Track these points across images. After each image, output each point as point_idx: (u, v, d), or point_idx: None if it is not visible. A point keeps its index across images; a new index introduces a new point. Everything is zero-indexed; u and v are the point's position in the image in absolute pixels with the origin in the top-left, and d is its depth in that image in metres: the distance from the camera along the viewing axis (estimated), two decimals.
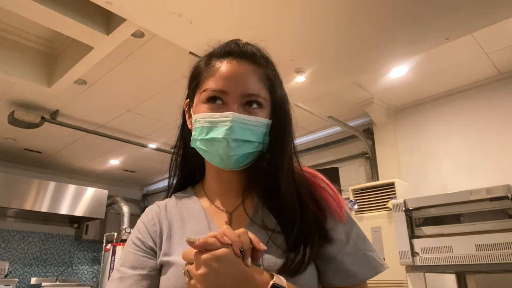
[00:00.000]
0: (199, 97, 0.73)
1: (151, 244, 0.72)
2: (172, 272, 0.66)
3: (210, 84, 0.70)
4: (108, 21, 2.40)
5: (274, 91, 0.74)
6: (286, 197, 0.68)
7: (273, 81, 0.74)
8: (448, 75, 3.12)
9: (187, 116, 0.78)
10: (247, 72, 0.71)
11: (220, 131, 0.68)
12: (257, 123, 0.70)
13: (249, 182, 0.74)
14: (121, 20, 2.26)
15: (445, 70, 3.05)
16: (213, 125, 0.69)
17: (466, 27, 2.22)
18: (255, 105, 0.70)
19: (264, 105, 0.72)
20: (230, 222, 0.72)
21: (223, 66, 0.71)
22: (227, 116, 0.68)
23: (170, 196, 0.82)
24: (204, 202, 0.77)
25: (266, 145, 0.72)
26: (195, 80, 0.76)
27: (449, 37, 2.26)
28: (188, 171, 0.82)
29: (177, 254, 0.68)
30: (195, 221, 0.74)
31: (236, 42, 0.76)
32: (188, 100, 0.78)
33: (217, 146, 0.69)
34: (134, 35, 2.48)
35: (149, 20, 2.09)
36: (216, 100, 0.70)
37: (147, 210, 0.79)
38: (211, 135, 0.69)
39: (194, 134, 0.72)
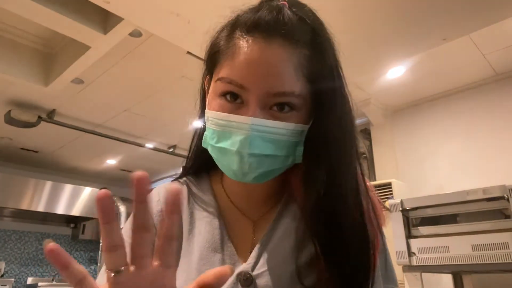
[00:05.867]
0: (214, 85, 0.56)
1: None
2: None
3: (227, 72, 0.53)
4: (105, 20, 2.39)
5: (319, 79, 0.54)
6: (351, 246, 0.52)
7: (319, 64, 0.55)
8: (445, 75, 3.13)
9: (207, 95, 0.60)
10: (278, 59, 0.51)
11: (233, 141, 0.51)
12: (285, 131, 0.52)
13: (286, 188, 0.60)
14: (119, 19, 2.26)
15: (442, 71, 3.06)
16: (225, 129, 0.52)
17: (463, 28, 2.22)
18: (286, 109, 0.52)
19: (299, 106, 0.53)
20: (252, 235, 0.59)
21: (246, 48, 0.52)
22: (244, 122, 0.50)
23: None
24: (222, 202, 0.62)
25: (300, 157, 0.55)
26: (214, 56, 0.58)
27: (446, 37, 2.27)
28: (205, 158, 0.64)
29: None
30: (206, 231, 0.59)
31: (269, 5, 0.55)
32: (208, 76, 0.61)
33: (229, 159, 0.53)
34: (131, 34, 2.47)
35: (147, 19, 2.08)
36: (233, 97, 0.53)
37: (155, 197, 0.63)
38: (222, 143, 0.53)
39: (206, 134, 0.57)
